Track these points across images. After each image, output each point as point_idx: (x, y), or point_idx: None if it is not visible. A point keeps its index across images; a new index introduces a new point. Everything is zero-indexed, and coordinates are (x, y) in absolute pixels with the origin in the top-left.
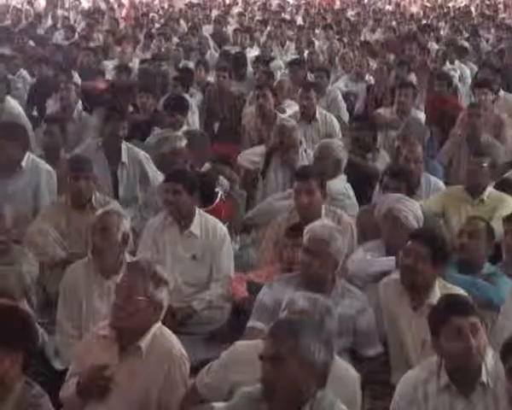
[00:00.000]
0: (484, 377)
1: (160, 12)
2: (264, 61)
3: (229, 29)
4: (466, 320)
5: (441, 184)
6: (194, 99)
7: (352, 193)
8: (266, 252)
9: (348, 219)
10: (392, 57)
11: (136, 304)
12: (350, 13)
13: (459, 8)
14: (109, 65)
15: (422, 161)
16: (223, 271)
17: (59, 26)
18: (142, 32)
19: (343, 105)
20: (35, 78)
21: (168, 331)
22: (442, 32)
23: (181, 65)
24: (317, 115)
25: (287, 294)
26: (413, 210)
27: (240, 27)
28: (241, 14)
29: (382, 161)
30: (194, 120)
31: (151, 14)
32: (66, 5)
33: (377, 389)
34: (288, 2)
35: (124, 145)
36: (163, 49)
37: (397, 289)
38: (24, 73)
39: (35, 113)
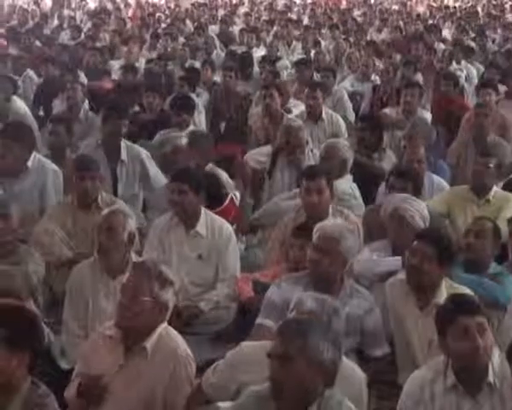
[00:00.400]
0: (491, 378)
1: (167, 12)
2: (270, 60)
3: (236, 29)
4: (473, 320)
5: (445, 183)
6: (200, 99)
7: (358, 193)
8: (272, 252)
9: (355, 218)
10: (398, 57)
11: (142, 304)
12: (356, 13)
13: (465, 9)
14: (115, 65)
15: (425, 161)
16: (229, 270)
17: (65, 26)
18: (149, 31)
19: (349, 105)
20: (41, 78)
21: (174, 332)
22: (447, 32)
23: (187, 65)
24: (324, 115)
25: (295, 293)
26: (419, 210)
27: (246, 27)
28: (247, 14)
29: (388, 160)
30: (200, 119)
31: (157, 14)
32: (73, 5)
33: (384, 389)
34: (295, 2)
35: (123, 143)
36: (169, 49)
37: (403, 289)
38: (30, 73)
39: (41, 113)
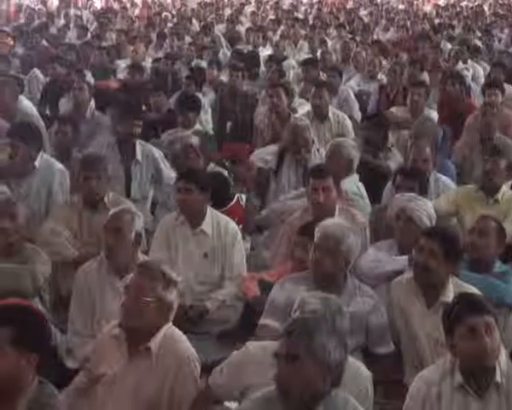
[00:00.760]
0: (498, 377)
1: (173, 11)
2: (276, 60)
3: (242, 28)
4: (481, 320)
5: (451, 183)
6: (206, 98)
7: (364, 192)
8: (279, 251)
9: (361, 218)
10: (404, 56)
11: (145, 304)
12: (362, 12)
13: (472, 8)
14: (122, 64)
15: (430, 160)
16: (235, 269)
17: (71, 25)
18: (155, 31)
19: (356, 104)
20: (48, 77)
21: (178, 332)
22: (452, 32)
23: (193, 64)
24: (330, 115)
25: (298, 293)
26: (426, 209)
27: (252, 26)
28: (253, 14)
29: (394, 160)
30: (207, 119)
31: (164, 14)
32: (79, 4)
33: (390, 388)
34: (301, 2)
35: (138, 143)
36: (175, 49)
37: (410, 287)
38: (37, 72)
39: (48, 112)
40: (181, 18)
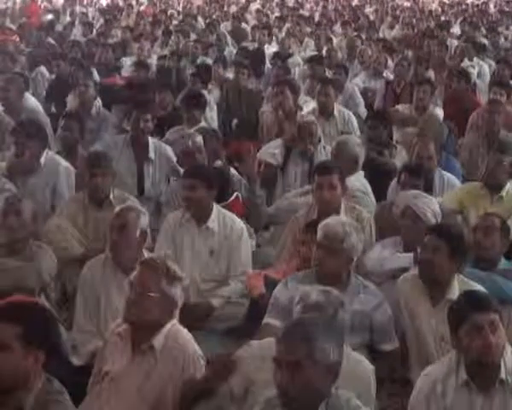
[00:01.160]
0: (503, 375)
1: (179, 8)
2: (282, 57)
3: (248, 26)
4: (486, 317)
5: (456, 180)
6: (212, 96)
7: (369, 190)
8: (284, 249)
9: (367, 215)
10: (410, 54)
11: (149, 300)
12: (368, 9)
13: (477, 6)
14: (127, 61)
15: (435, 157)
16: (241, 266)
17: (77, 22)
18: (161, 28)
19: (361, 101)
20: (53, 74)
21: (183, 329)
22: (455, 29)
23: (199, 61)
24: (336, 112)
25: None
26: (431, 207)
27: (258, 24)
28: (259, 11)
29: (400, 157)
30: (212, 116)
31: (169, 11)
32: (85, 2)
33: (395, 386)
34: None
35: (151, 141)
36: (181, 46)
37: (415, 285)
38: (42, 69)
39: (53, 109)
40: (186, 15)
